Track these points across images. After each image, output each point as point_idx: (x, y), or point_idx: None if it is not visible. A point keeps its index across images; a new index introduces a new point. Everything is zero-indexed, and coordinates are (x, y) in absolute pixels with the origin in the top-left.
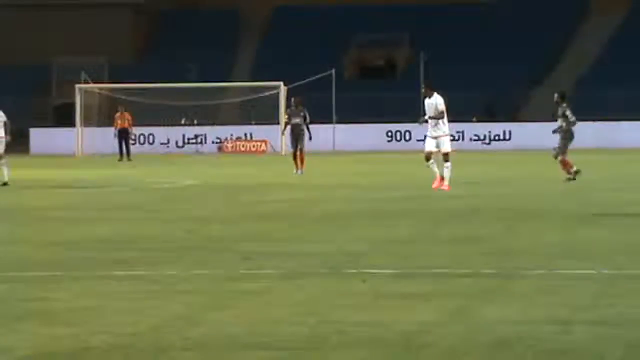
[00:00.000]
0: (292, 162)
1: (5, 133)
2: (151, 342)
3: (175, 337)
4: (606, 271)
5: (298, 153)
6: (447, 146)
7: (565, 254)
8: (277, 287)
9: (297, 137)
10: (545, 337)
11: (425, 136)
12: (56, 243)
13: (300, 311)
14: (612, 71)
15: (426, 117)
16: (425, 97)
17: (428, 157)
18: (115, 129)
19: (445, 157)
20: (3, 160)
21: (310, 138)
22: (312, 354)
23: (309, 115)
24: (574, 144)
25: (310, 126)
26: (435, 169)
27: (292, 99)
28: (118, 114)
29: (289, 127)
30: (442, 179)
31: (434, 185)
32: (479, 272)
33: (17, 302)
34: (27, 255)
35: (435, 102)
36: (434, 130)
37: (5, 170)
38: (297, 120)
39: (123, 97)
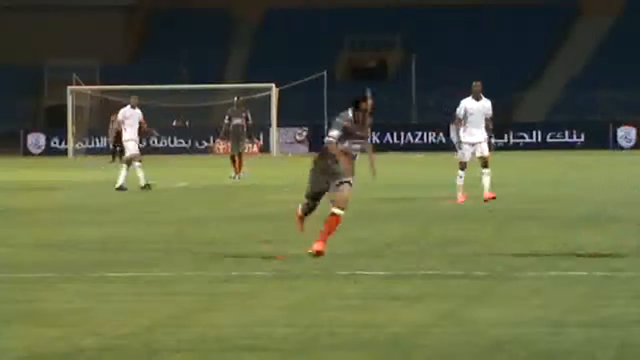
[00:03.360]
0: (231, 165)
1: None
2: (143, 343)
3: (168, 339)
4: (598, 273)
5: (237, 156)
6: (487, 150)
7: (558, 256)
8: (268, 289)
9: (237, 139)
10: (538, 339)
11: (460, 143)
12: (48, 245)
13: (292, 313)
14: (604, 73)
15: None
16: (474, 98)
17: (464, 166)
18: (111, 130)
19: (486, 162)
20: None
21: (251, 141)
22: (304, 355)
23: (251, 117)
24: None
25: (303, 126)
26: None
27: (235, 99)
28: (114, 116)
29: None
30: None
31: (462, 198)
32: (471, 274)
33: (9, 303)
34: (19, 257)
35: (486, 105)
36: (475, 136)
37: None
38: (237, 121)
39: (116, 99)
